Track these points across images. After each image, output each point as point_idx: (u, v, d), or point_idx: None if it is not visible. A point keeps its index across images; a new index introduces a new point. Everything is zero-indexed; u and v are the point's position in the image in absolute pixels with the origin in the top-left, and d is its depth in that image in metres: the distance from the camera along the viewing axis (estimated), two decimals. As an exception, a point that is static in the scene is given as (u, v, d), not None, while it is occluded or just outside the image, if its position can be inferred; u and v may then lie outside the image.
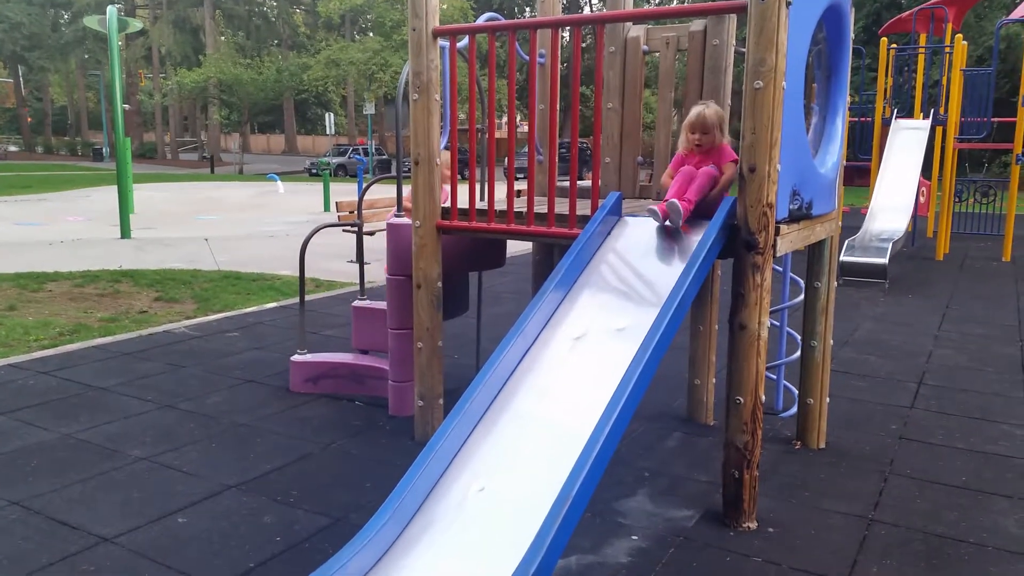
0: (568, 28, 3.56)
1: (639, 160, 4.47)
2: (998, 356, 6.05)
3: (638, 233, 3.33)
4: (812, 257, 4.02)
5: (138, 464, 3.85)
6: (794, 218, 3.31)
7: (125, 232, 12.32)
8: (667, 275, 3.10)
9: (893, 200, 10.08)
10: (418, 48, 3.78)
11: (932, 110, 11.04)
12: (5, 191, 22.75)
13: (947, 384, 5.32)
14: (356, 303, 4.99)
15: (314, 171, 35.62)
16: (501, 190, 3.90)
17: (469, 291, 5.03)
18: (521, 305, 3.90)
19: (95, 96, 57.48)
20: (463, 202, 3.96)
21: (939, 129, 11.02)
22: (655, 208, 3.24)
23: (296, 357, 4.90)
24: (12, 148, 55.99)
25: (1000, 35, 11.98)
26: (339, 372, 4.79)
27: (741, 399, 3.13)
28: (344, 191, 21.23)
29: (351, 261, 5.22)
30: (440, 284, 3.96)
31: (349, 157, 36.70)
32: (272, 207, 19.52)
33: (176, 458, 3.91)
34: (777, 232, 3.11)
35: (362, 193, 5.34)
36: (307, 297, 8.01)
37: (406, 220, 4.23)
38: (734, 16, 4.08)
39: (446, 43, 3.89)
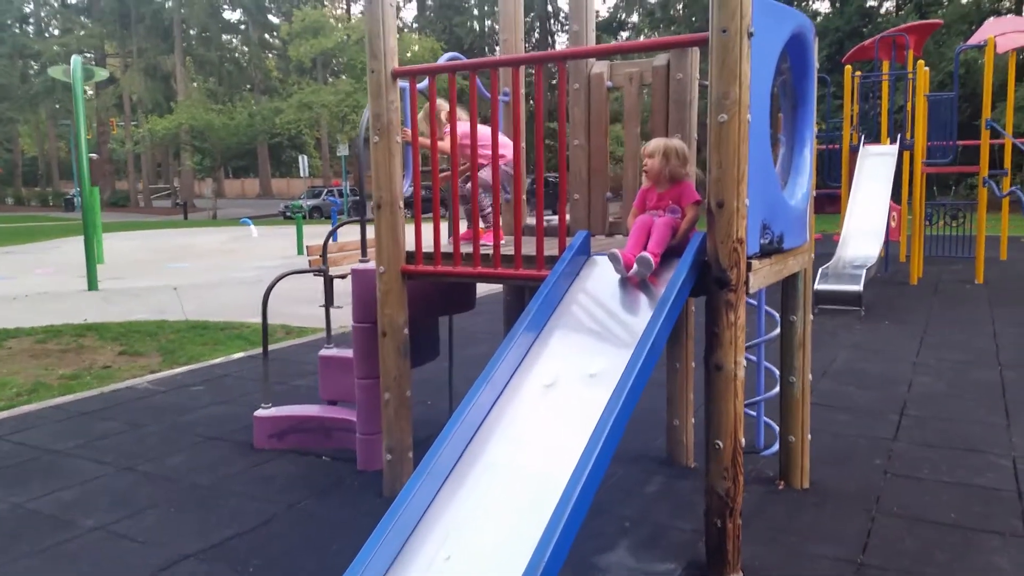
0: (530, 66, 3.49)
1: (608, 196, 4.39)
2: (977, 383, 5.98)
3: (608, 273, 3.22)
4: (786, 290, 3.93)
5: (92, 534, 3.63)
6: (765, 252, 3.22)
7: (92, 284, 12.06)
8: (638, 316, 2.99)
9: (865, 226, 10.10)
10: (377, 90, 3.69)
11: (899, 135, 11.15)
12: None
13: (929, 414, 5.22)
14: (323, 351, 4.83)
15: (288, 214, 35.43)
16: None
17: (439, 335, 4.89)
18: (495, 346, 3.77)
19: (66, 146, 57.08)
20: (428, 245, 3.84)
21: (906, 154, 11.13)
22: (618, 255, 3.10)
23: (260, 412, 4.71)
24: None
25: (959, 60, 12.21)
26: (305, 426, 4.61)
27: (720, 443, 3.00)
28: (317, 233, 20.95)
29: (322, 306, 5.06)
30: (407, 331, 3.82)
31: (324, 199, 36.57)
32: (245, 252, 19.30)
33: (132, 526, 3.70)
34: (749, 268, 3.02)
35: (328, 236, 5.20)
36: (276, 345, 7.89)
37: (371, 266, 4.10)
38: (696, 49, 4.04)
39: (405, 84, 3.80)
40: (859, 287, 8.77)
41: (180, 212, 40.83)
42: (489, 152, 3.62)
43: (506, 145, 4.24)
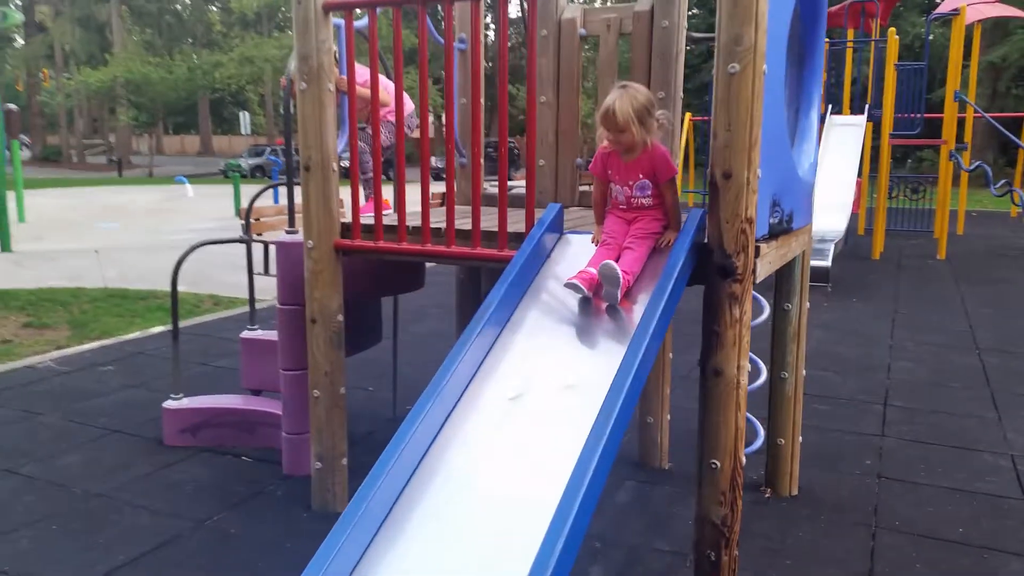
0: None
1: (578, 162, 3.82)
2: (960, 368, 5.62)
3: (584, 254, 2.66)
4: (781, 274, 3.42)
5: (-51, 560, 2.98)
6: (774, 234, 2.69)
7: (5, 245, 11.07)
8: (625, 310, 2.44)
9: (831, 199, 9.72)
10: (305, 25, 3.02)
11: (867, 106, 10.77)
12: None
13: (915, 405, 4.83)
14: (245, 334, 4.18)
15: (227, 173, 33.99)
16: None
17: (382, 315, 4.28)
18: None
19: (-8, 96, 53.91)
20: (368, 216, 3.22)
21: (870, 125, 10.77)
22: (575, 281, 2.45)
23: (169, 403, 4.05)
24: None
25: (922, 32, 11.85)
26: (222, 420, 3.98)
27: (717, 463, 2.49)
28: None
29: (260, 274, 4.42)
30: (341, 317, 3.21)
31: (266, 158, 35.16)
32: (180, 212, 18.26)
33: (2, 550, 3.05)
34: (757, 253, 2.49)
35: (252, 200, 4.53)
36: (202, 318, 7.16)
37: (299, 238, 3.46)
38: (685, -8, 3.47)
39: (341, 21, 3.15)
40: (827, 262, 8.40)
41: (115, 169, 38.95)
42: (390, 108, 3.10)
43: (408, 102, 3.76)
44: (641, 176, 2.58)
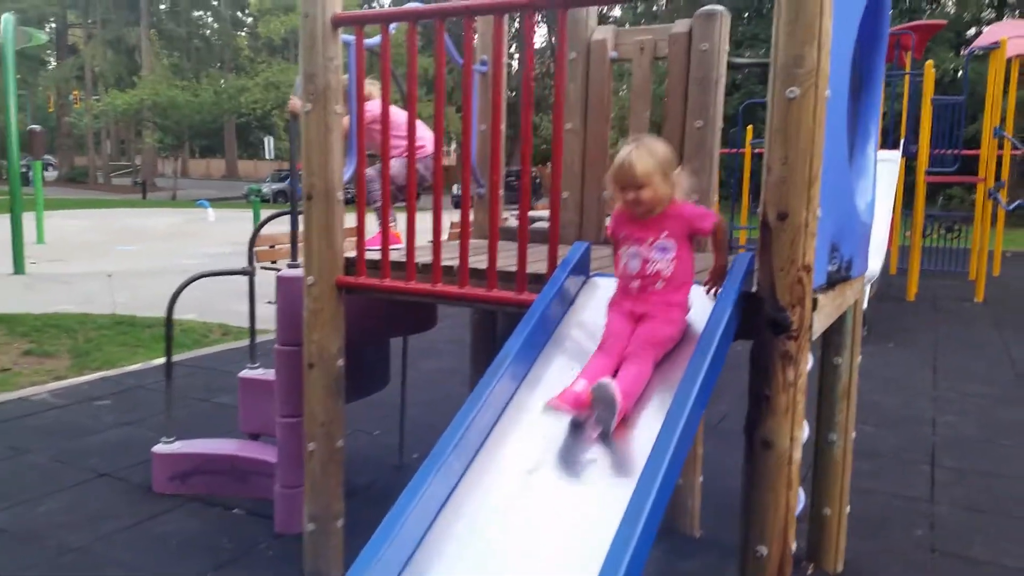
0: (517, 17, 2.54)
1: (605, 195, 3.51)
2: (1010, 423, 5.22)
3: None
4: (831, 326, 3.08)
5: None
6: (831, 283, 2.37)
7: (19, 267, 10.92)
8: (665, 368, 2.12)
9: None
10: (311, 41, 2.76)
11: (904, 141, 10.41)
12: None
13: (965, 464, 4.44)
14: (244, 373, 3.90)
15: (250, 198, 34.09)
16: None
17: (390, 356, 3.97)
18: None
19: (24, 117, 54.87)
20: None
21: (901, 161, 10.40)
22: (561, 405, 1.97)
23: (160, 448, 3.76)
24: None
25: (953, 67, 11.52)
26: (214, 467, 3.68)
27: (764, 550, 2.14)
28: (278, 220, 19.92)
29: (271, 303, 4.15)
30: (342, 362, 2.91)
31: (289, 183, 35.22)
32: (200, 236, 18.14)
33: (-41, 613, 2.76)
34: (814, 305, 2.16)
35: (256, 230, 4.27)
36: (208, 349, 6.91)
37: (300, 272, 3.17)
38: (726, 15, 3.19)
39: (350, 37, 2.88)
40: (864, 305, 7.98)
41: (140, 191, 39.24)
42: (403, 141, 2.84)
43: (425, 138, 3.54)
44: (665, 234, 2.14)
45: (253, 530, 3.40)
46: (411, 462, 4.13)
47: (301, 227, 2.97)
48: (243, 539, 3.32)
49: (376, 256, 2.87)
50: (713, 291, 2.23)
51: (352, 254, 2.90)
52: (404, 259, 2.78)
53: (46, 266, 11.82)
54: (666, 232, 2.15)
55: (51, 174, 41.43)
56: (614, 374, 2.04)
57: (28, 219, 12.40)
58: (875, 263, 9.11)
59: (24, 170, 13.43)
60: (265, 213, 18.57)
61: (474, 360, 3.98)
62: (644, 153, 2.12)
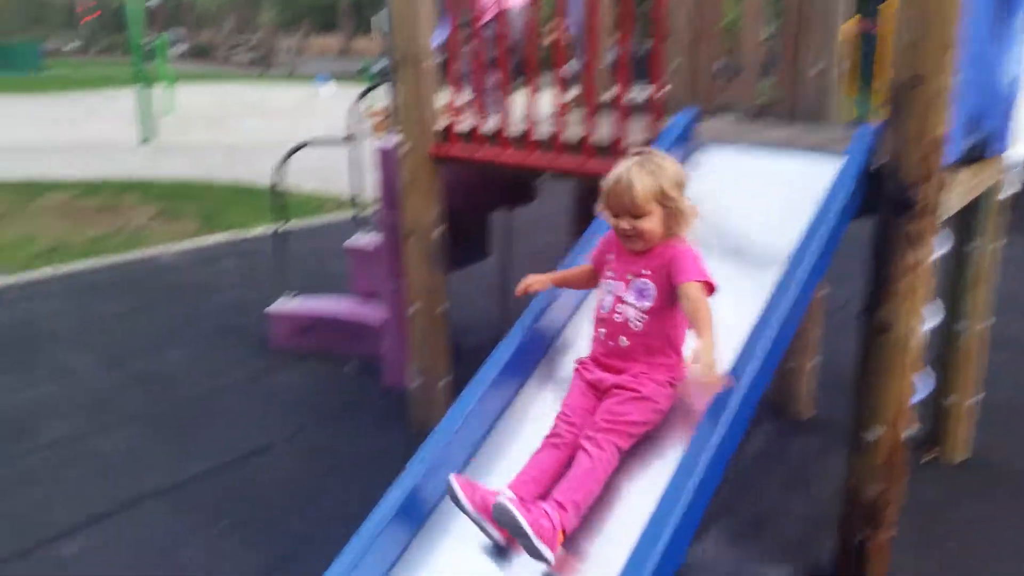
0: None
1: (717, 65, 3.28)
2: None
3: (726, 170, 2.21)
4: (965, 207, 2.83)
5: (51, 450, 3.00)
6: (967, 161, 2.15)
7: (147, 137, 11.47)
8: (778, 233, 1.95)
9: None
10: None
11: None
12: (39, 88, 21.90)
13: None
14: (350, 243, 3.98)
15: (363, 73, 34.20)
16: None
17: (490, 226, 3.94)
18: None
19: (150, -9, 56.25)
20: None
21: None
22: (455, 487, 1.54)
23: (279, 305, 3.94)
24: (73, 45, 55.53)
25: None
26: (327, 325, 3.83)
27: (875, 434, 2.06)
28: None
29: None
30: (438, 232, 2.92)
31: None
32: (317, 113, 18.47)
33: (97, 445, 3.04)
34: (943, 184, 1.97)
35: (358, 98, 4.27)
36: (329, 218, 7.11)
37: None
38: None
39: None
40: (1015, 188, 7.33)
41: (259, 66, 40.06)
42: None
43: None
44: (646, 272, 1.66)
45: (362, 386, 3.55)
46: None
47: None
48: (352, 393, 3.49)
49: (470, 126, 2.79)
50: (696, 362, 1.53)
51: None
52: (496, 130, 2.70)
53: (174, 136, 12.36)
54: (649, 270, 1.66)
55: (179, 48, 42.72)
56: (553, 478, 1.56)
57: (156, 91, 12.90)
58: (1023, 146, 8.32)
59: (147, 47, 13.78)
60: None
61: (574, 239, 3.91)
62: (647, 172, 1.64)
